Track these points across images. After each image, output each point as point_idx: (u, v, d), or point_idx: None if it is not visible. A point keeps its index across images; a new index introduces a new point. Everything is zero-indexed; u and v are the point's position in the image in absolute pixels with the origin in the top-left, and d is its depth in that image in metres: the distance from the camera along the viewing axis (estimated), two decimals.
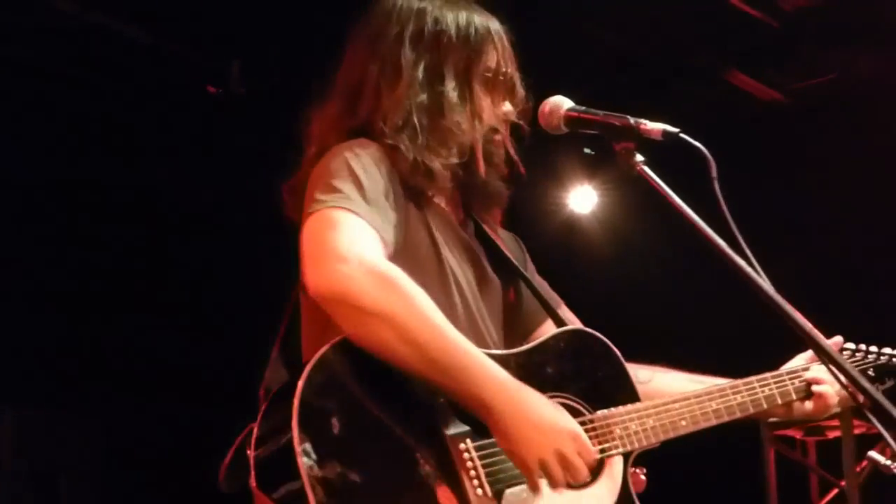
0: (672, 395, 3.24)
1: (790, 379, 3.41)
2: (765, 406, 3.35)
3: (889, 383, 3.55)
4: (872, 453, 3.47)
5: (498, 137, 3.25)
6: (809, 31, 8.00)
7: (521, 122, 3.30)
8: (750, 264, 2.58)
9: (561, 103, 3.07)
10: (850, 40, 8.07)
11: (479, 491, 2.79)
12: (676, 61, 8.22)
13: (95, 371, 7.49)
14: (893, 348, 3.60)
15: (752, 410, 3.32)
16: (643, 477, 3.39)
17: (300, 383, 2.68)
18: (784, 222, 8.53)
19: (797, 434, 8.14)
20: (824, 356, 2.50)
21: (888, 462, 3.45)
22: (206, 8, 6.72)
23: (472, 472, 2.79)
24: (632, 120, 2.86)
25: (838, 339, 3.48)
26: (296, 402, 2.66)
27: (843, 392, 3.31)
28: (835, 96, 8.49)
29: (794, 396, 3.41)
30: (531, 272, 3.49)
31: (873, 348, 3.58)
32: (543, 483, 2.84)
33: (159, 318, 7.48)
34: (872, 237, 8.20)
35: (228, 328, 7.34)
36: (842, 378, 2.49)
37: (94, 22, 6.66)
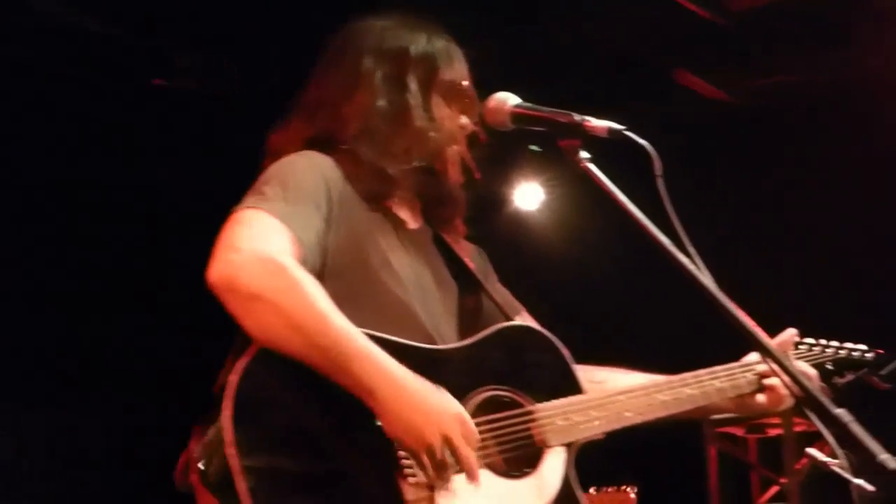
0: (618, 387, 3.25)
1: (742, 372, 3.41)
2: (715, 398, 3.36)
3: (849, 377, 3.57)
4: (811, 450, 3.50)
5: (456, 147, 3.29)
6: (757, 32, 8.05)
7: (479, 135, 3.34)
8: (692, 262, 2.59)
9: (506, 99, 3.08)
10: (798, 41, 8.13)
11: (413, 479, 2.79)
12: (623, 59, 8.25)
13: (95, 371, 7.44)
14: (854, 343, 3.62)
15: (701, 402, 3.33)
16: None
17: (236, 378, 2.70)
18: (729, 221, 8.59)
19: (739, 431, 8.21)
20: (764, 352, 2.51)
21: (827, 459, 3.48)
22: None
23: (406, 461, 2.79)
24: (577, 117, 2.87)
25: (792, 331, 3.51)
26: (230, 395, 2.68)
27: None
28: (781, 96, 8.55)
29: (746, 390, 3.41)
30: (493, 281, 3.53)
31: (834, 343, 3.60)
32: (479, 472, 2.84)
33: (155, 318, 7.45)
34: (818, 235, 8.27)
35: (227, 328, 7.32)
36: (781, 374, 2.49)
37: (44, 11, 6.61)
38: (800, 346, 3.56)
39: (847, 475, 2.81)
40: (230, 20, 6.85)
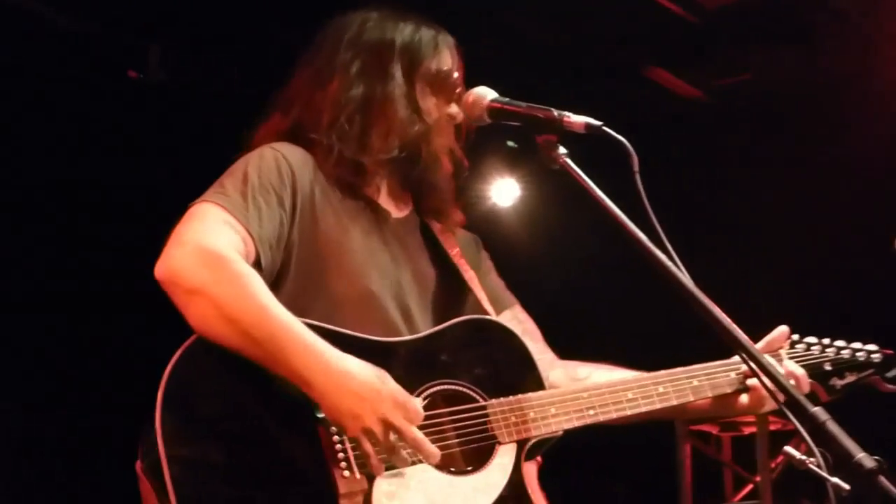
0: (584, 384, 3.21)
1: (723, 371, 3.31)
2: (691, 398, 3.26)
3: (849, 378, 3.46)
4: (788, 448, 3.48)
5: (443, 137, 3.28)
6: (730, 30, 8.07)
7: (469, 126, 3.31)
8: (670, 258, 2.58)
9: (484, 94, 3.07)
10: (770, 39, 8.16)
11: (347, 473, 2.78)
12: (597, 56, 8.25)
13: (93, 371, 7.39)
14: (853, 342, 3.51)
15: (674, 402, 3.24)
16: None
17: (168, 367, 2.72)
18: (702, 218, 8.61)
19: (713, 430, 8.23)
20: (739, 349, 2.50)
21: (803, 457, 3.46)
22: None
23: (341, 455, 2.79)
24: (555, 112, 2.86)
25: (783, 329, 3.42)
26: (162, 384, 2.70)
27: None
28: (754, 94, 8.58)
29: (727, 389, 3.31)
30: (486, 271, 3.51)
31: (839, 342, 3.50)
32: (421, 467, 2.85)
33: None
34: (789, 232, 8.30)
35: None
36: (757, 371, 2.48)
37: (8, 3, 6.56)
38: (797, 346, 3.46)
39: (823, 473, 2.81)
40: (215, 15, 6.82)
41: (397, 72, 3.23)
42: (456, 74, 3.30)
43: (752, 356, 2.49)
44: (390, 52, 3.25)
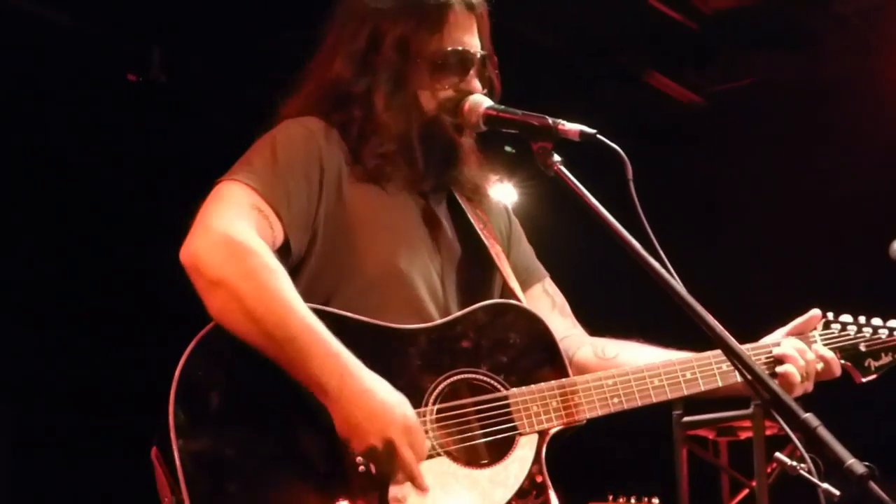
0: (608, 371, 3.11)
1: (753, 355, 3.16)
2: (719, 383, 3.14)
3: (885, 359, 3.36)
4: (779, 455, 3.49)
5: (447, 116, 3.13)
6: (729, 35, 8.09)
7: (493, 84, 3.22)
8: (662, 264, 2.59)
9: (480, 102, 3.06)
10: (769, 44, 8.17)
11: (363, 468, 2.76)
12: (597, 62, 8.26)
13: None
14: (889, 321, 3.40)
15: (701, 388, 3.14)
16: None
17: (183, 358, 2.71)
18: (703, 223, 8.62)
19: (710, 434, 8.22)
20: (731, 355, 2.50)
21: (794, 463, 3.45)
22: None
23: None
24: (550, 120, 2.85)
25: (815, 312, 3.33)
26: (176, 376, 2.69)
27: (812, 372, 3.18)
28: (753, 100, 8.59)
29: None
30: (517, 242, 3.45)
31: (876, 321, 3.38)
32: (438, 460, 2.83)
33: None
34: (791, 236, 8.30)
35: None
36: (750, 378, 2.47)
37: (9, 4, 6.57)
38: (831, 326, 3.35)
39: (814, 479, 2.82)
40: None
41: (400, 56, 3.11)
42: (459, 48, 3.14)
43: (744, 363, 2.48)
44: (393, 31, 3.12)
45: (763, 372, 2.47)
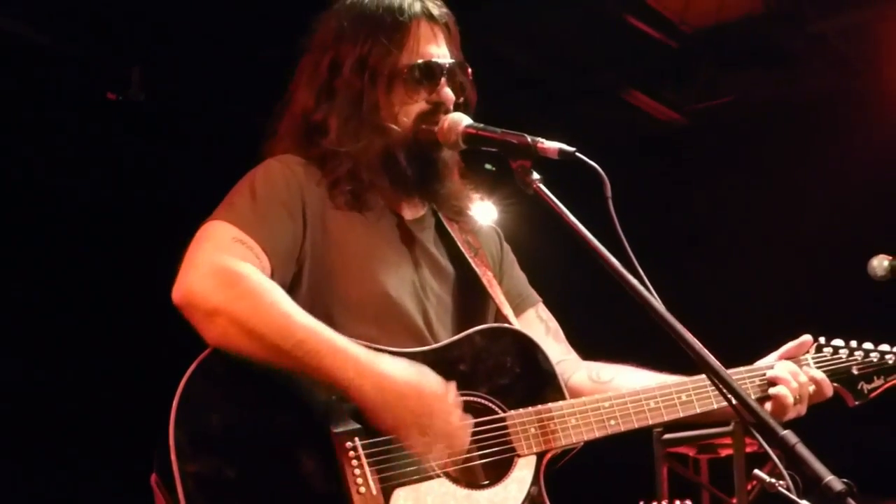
0: (605, 393, 3.13)
1: (747, 378, 3.22)
2: (714, 406, 3.15)
3: (877, 382, 3.37)
4: (758, 472, 3.48)
5: (424, 126, 3.12)
6: (708, 54, 8.12)
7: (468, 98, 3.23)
8: (642, 282, 2.59)
9: (459, 120, 3.06)
10: (748, 63, 8.21)
11: (363, 489, 2.76)
12: (577, 80, 8.28)
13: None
14: (881, 345, 3.41)
15: (697, 410, 3.15)
16: None
17: (182, 381, 2.71)
18: (679, 241, 8.64)
19: (690, 451, 8.23)
20: (709, 373, 2.50)
21: (773, 480, 3.46)
22: (108, 14, 6.66)
23: (357, 471, 2.78)
24: (529, 138, 2.85)
25: (806, 337, 3.33)
26: (176, 399, 2.69)
27: (805, 395, 3.19)
28: (733, 118, 8.63)
29: (752, 395, 3.14)
30: (508, 266, 3.47)
31: (867, 345, 3.39)
32: (438, 482, 2.83)
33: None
34: (769, 252, 8.33)
35: None
36: (729, 396, 2.48)
37: None
38: (823, 350, 3.36)
39: (792, 496, 2.82)
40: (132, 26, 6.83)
41: (360, 77, 3.12)
42: (430, 61, 3.16)
43: (722, 380, 2.48)
44: (353, 54, 3.14)
45: (741, 389, 2.47)
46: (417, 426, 2.77)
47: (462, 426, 2.83)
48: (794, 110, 8.39)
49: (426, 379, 2.83)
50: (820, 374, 3.30)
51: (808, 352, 3.34)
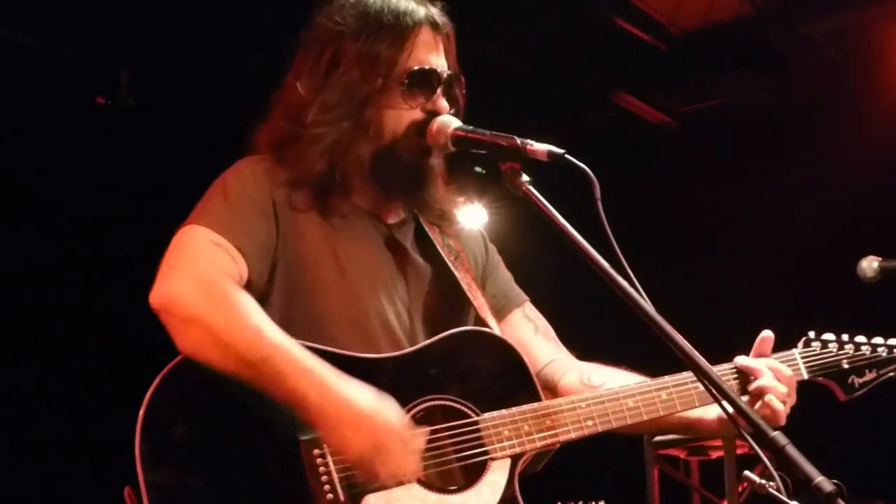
0: (582, 394, 3.10)
1: (731, 377, 3.16)
2: (697, 404, 3.12)
3: (869, 376, 3.33)
4: (748, 473, 3.48)
5: (413, 137, 3.10)
6: (698, 56, 8.13)
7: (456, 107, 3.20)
8: (632, 284, 2.59)
9: (449, 122, 3.05)
10: (738, 66, 8.22)
11: (331, 496, 2.76)
12: (566, 83, 8.29)
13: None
14: (874, 338, 3.37)
15: (679, 409, 3.12)
16: None
17: (149, 392, 2.71)
18: (668, 243, 8.64)
19: (681, 454, 8.23)
20: (699, 374, 2.50)
21: (763, 481, 3.46)
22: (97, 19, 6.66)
23: (325, 478, 2.77)
24: (518, 140, 2.84)
25: (765, 333, 3.25)
26: (141, 411, 2.69)
27: (791, 402, 3.12)
28: (722, 120, 8.64)
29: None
30: (493, 269, 3.45)
31: (859, 338, 3.36)
32: (409, 487, 2.83)
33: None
34: (755, 258, 8.34)
35: None
36: (716, 395, 2.48)
37: None
38: (812, 344, 3.33)
39: (783, 497, 2.82)
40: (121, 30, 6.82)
41: (356, 73, 3.09)
42: (434, 68, 3.13)
43: (711, 381, 2.48)
44: (350, 52, 3.10)
45: (731, 390, 2.47)
46: (367, 459, 2.73)
47: (414, 459, 2.78)
48: (784, 112, 8.40)
49: (385, 412, 2.77)
50: (787, 370, 3.20)
51: (770, 348, 3.26)
